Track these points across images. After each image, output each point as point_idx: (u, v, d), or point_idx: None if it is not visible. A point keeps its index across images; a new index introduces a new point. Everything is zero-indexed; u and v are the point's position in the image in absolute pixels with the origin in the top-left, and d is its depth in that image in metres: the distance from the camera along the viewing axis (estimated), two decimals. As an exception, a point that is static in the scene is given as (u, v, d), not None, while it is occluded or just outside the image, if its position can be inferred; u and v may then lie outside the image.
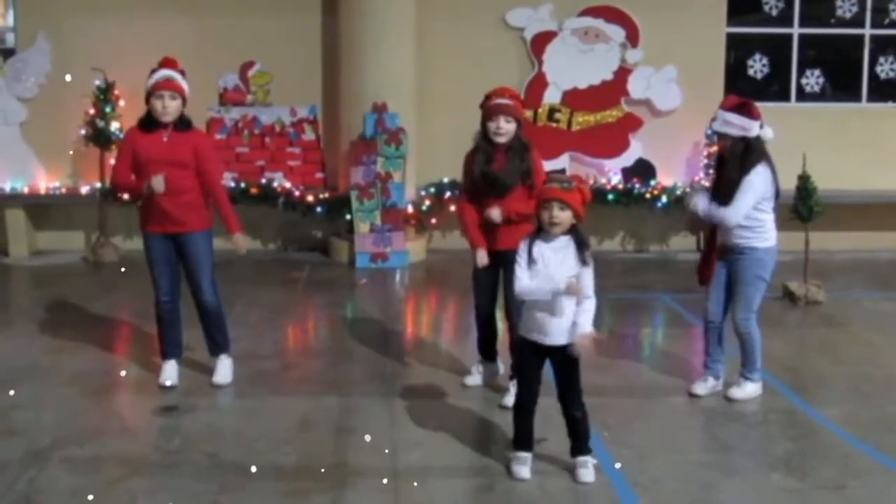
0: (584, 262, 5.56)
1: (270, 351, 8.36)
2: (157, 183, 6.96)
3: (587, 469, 5.69)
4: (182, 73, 7.25)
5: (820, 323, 9.40)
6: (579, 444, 5.77)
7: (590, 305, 5.57)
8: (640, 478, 5.73)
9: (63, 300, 10.03)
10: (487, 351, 7.37)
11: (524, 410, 5.77)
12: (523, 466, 5.72)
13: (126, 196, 7.56)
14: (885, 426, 6.62)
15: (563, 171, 12.45)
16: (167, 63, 7.23)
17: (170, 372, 7.38)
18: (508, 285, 6.44)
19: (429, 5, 12.50)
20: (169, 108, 7.07)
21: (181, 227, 7.21)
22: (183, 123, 7.19)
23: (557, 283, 5.47)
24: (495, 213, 6.72)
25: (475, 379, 7.39)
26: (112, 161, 11.88)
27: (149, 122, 7.17)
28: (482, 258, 6.83)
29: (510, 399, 6.47)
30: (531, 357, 5.71)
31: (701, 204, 6.90)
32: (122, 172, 7.23)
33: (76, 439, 6.28)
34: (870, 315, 9.68)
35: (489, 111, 6.84)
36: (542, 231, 5.64)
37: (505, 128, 6.77)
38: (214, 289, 7.44)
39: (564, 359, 5.65)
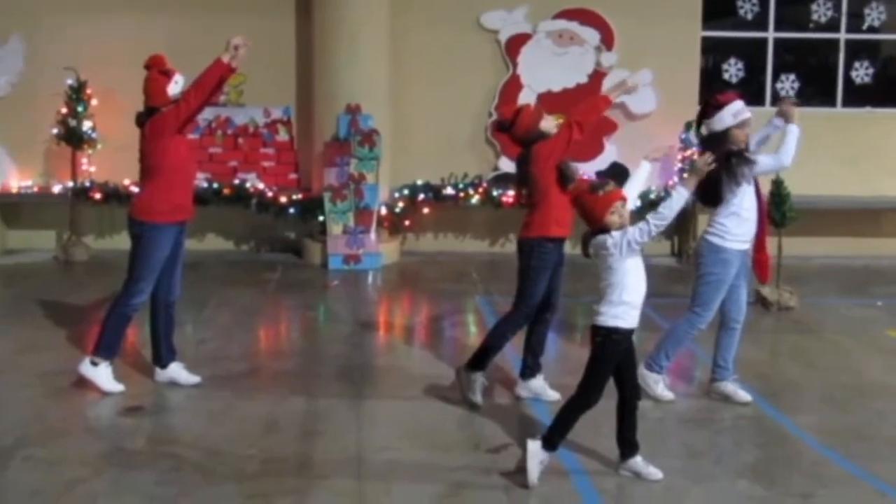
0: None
1: (239, 353, 8.28)
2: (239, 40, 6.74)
3: (648, 465, 5.78)
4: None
5: (792, 329, 9.40)
6: (636, 438, 5.80)
7: None
8: (606, 484, 5.70)
9: (32, 299, 9.92)
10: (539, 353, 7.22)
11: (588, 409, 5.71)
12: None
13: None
14: (856, 434, 6.59)
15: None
16: (160, 61, 7.04)
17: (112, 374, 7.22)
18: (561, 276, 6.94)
19: (403, 7, 12.47)
20: None
21: (189, 214, 7.20)
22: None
23: None
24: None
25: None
26: (84, 160, 12.01)
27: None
28: None
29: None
30: (620, 347, 5.66)
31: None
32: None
33: (38, 439, 6.21)
34: (842, 321, 9.68)
35: None
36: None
37: None
38: None
39: (633, 346, 5.77)
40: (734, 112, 6.83)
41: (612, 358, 5.64)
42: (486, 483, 5.66)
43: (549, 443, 5.65)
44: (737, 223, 6.86)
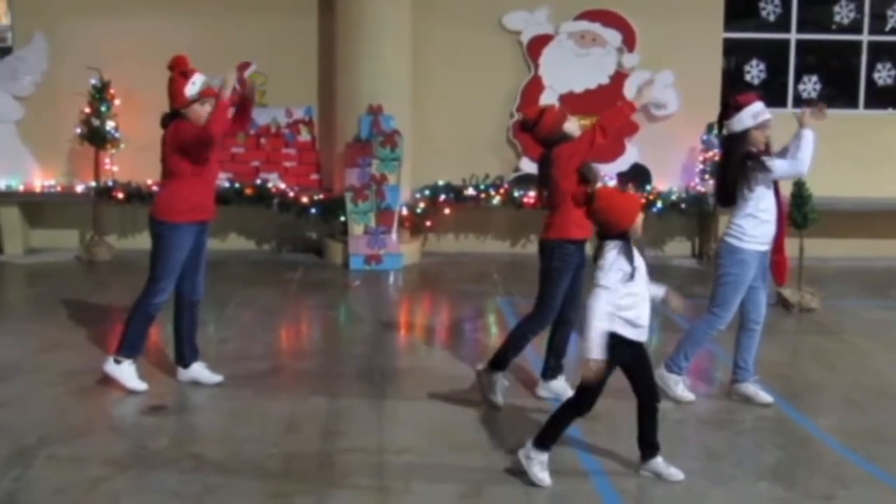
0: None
1: (261, 352, 8.30)
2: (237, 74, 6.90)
3: (669, 466, 5.77)
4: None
5: (813, 330, 9.37)
6: (656, 440, 5.79)
7: None
8: (626, 484, 5.70)
9: (55, 298, 9.99)
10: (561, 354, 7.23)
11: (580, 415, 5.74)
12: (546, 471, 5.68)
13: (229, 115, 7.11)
14: (877, 436, 6.58)
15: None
16: (182, 62, 7.07)
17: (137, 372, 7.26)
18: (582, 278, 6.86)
19: (425, 7, 12.48)
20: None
21: (210, 214, 7.21)
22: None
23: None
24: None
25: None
26: (107, 160, 12.08)
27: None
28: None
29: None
30: (621, 355, 5.65)
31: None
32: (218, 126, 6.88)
33: (62, 438, 6.25)
34: (864, 323, 9.65)
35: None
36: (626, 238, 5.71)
37: None
38: None
39: (643, 350, 5.74)
40: (754, 113, 6.83)
41: (614, 360, 5.64)
42: (507, 483, 5.67)
43: (541, 443, 5.69)
44: (753, 225, 6.86)
